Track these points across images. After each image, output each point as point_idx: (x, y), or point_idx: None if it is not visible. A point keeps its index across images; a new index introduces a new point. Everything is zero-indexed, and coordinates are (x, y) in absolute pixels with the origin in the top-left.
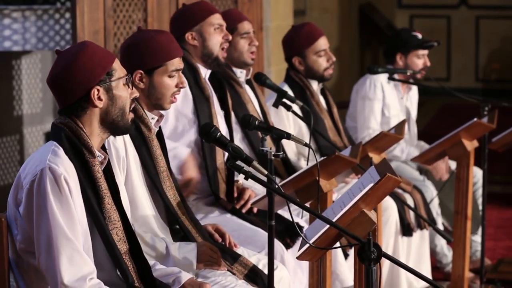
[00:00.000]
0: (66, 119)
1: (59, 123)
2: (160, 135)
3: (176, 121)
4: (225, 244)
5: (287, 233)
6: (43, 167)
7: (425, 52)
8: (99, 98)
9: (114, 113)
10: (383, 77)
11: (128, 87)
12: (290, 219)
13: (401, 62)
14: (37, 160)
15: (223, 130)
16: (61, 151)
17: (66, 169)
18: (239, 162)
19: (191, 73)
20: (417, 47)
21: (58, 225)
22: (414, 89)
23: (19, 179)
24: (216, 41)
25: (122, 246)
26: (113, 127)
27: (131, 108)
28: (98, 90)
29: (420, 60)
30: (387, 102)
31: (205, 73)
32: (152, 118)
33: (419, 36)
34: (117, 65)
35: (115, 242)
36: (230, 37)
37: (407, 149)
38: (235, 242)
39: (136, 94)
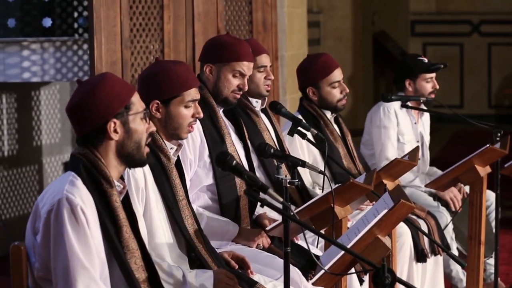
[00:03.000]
0: (84, 149)
1: (77, 154)
2: (178, 164)
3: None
4: (245, 267)
5: (310, 266)
6: (61, 197)
7: (433, 75)
8: (115, 131)
9: (129, 146)
10: (396, 104)
11: (146, 121)
12: (306, 247)
13: (411, 88)
14: (55, 190)
15: (243, 161)
16: (79, 182)
17: (83, 199)
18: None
19: (206, 112)
20: (424, 71)
21: (75, 254)
22: (426, 114)
23: (37, 208)
24: (229, 86)
25: (141, 275)
26: (128, 160)
27: (147, 143)
28: (114, 123)
29: (429, 84)
30: (401, 128)
31: (220, 108)
32: (171, 148)
33: (425, 60)
34: (136, 98)
35: (133, 271)
36: (246, 88)
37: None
38: (251, 269)
39: (153, 128)
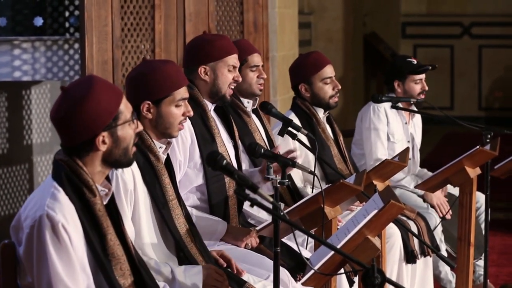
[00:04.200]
0: (66, 157)
1: (60, 160)
2: (168, 163)
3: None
4: (232, 270)
5: (298, 268)
6: (42, 213)
7: (422, 76)
8: (103, 142)
9: (117, 153)
10: (386, 103)
11: (133, 123)
12: (296, 248)
13: (400, 89)
14: (36, 203)
15: (232, 160)
16: (61, 194)
17: (65, 214)
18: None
19: (197, 112)
20: (412, 73)
21: (58, 275)
22: (418, 116)
23: (20, 218)
24: (227, 80)
25: (127, 280)
26: (115, 164)
27: (134, 143)
28: (103, 136)
29: (417, 85)
30: (391, 128)
31: (211, 107)
32: (160, 147)
33: (414, 61)
34: (123, 105)
35: (117, 279)
36: (240, 79)
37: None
38: (241, 268)
39: (140, 128)
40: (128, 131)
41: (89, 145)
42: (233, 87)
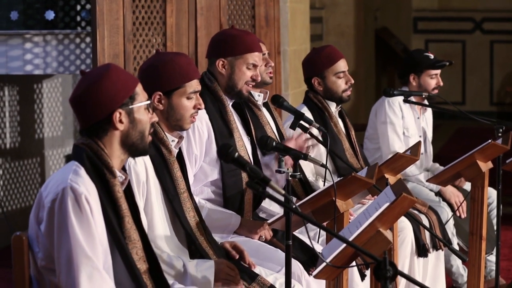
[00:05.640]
0: (88, 140)
1: (80, 144)
2: (180, 157)
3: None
4: (244, 261)
5: (311, 262)
6: (65, 186)
7: (438, 71)
8: (121, 121)
9: (134, 136)
10: (400, 97)
11: (149, 111)
12: (308, 241)
13: (415, 82)
14: (58, 180)
15: (249, 155)
16: (82, 171)
17: (87, 188)
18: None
19: (215, 106)
20: (429, 67)
21: (78, 243)
22: (429, 110)
23: (41, 197)
24: (244, 77)
25: (142, 265)
26: (132, 149)
27: (150, 132)
28: (120, 113)
29: (433, 80)
30: (406, 122)
31: (229, 102)
32: (172, 141)
33: (431, 56)
34: (139, 89)
35: (135, 261)
36: (259, 79)
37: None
38: (252, 261)
39: (155, 119)
40: (144, 115)
41: (107, 124)
42: (251, 85)
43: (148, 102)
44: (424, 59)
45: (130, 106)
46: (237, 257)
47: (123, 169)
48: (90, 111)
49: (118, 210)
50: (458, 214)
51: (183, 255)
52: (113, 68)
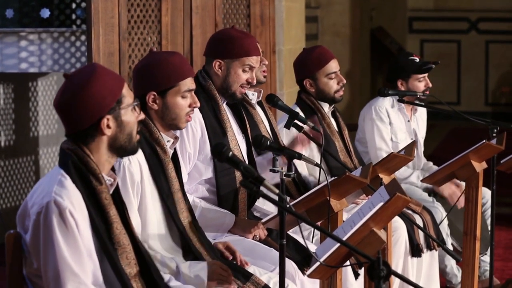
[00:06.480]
0: (74, 145)
1: (66, 149)
2: (175, 157)
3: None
4: (236, 262)
5: (305, 262)
6: (49, 200)
7: (425, 74)
8: (108, 126)
9: (122, 139)
10: (387, 102)
11: (135, 110)
12: (302, 240)
13: (403, 87)
14: (44, 190)
15: (244, 154)
16: (67, 181)
17: (72, 200)
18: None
19: (209, 104)
20: (415, 72)
21: (64, 260)
22: (421, 110)
23: (26, 206)
24: (238, 80)
25: (132, 269)
26: (121, 151)
27: (138, 131)
28: (107, 119)
29: (421, 83)
30: (394, 128)
31: (223, 101)
32: (168, 141)
33: (417, 59)
34: (125, 90)
35: (123, 267)
36: (255, 82)
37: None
38: (246, 260)
39: (142, 116)
40: (131, 117)
41: (94, 130)
42: (246, 88)
43: (136, 103)
44: (409, 64)
45: (117, 110)
46: (230, 258)
47: (112, 169)
48: (76, 118)
49: (106, 217)
50: (452, 204)
51: (177, 255)
52: (99, 70)
